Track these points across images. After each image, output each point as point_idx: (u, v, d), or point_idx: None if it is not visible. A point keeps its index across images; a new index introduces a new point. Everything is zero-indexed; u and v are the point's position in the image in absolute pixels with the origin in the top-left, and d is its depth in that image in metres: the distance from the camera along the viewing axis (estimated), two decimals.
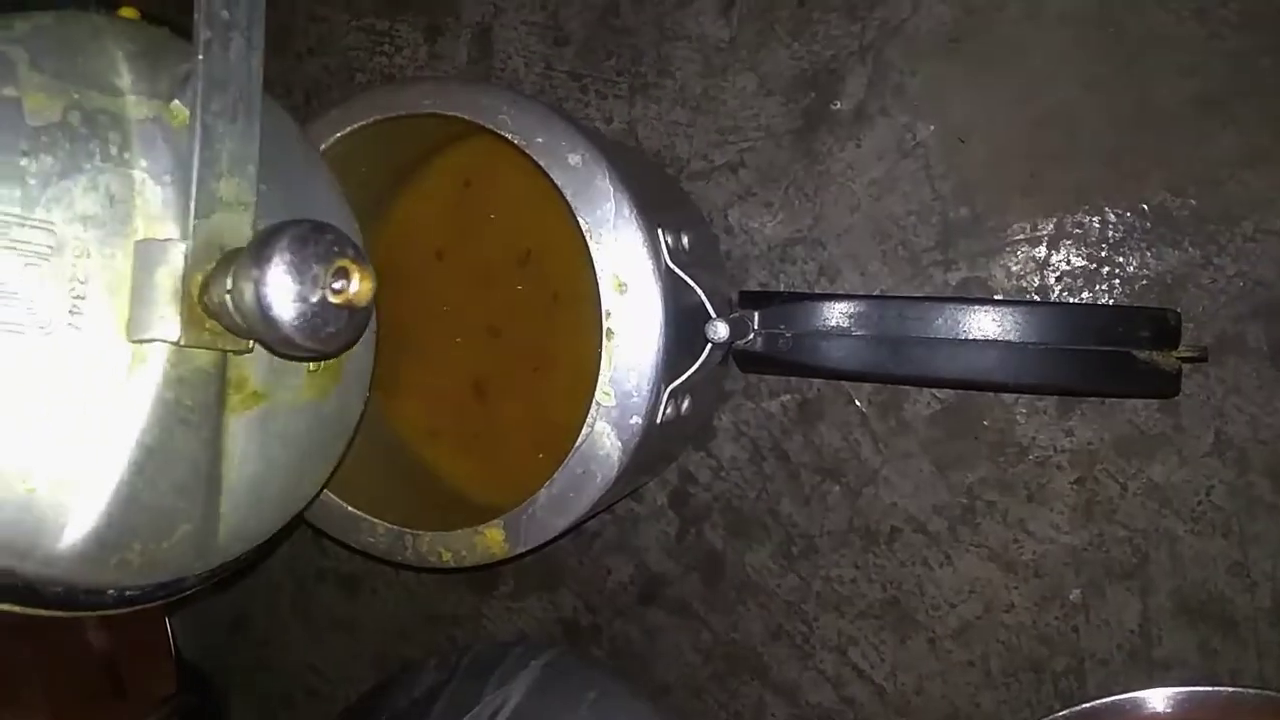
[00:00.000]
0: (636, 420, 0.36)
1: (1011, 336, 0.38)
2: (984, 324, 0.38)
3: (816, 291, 0.46)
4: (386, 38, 0.54)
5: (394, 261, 0.48)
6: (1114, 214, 0.42)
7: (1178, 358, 0.37)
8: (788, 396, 0.47)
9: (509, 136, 0.35)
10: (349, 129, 0.39)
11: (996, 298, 0.43)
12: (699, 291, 0.37)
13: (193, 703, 0.53)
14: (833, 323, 0.40)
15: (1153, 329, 0.37)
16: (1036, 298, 0.43)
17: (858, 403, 0.46)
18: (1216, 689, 0.40)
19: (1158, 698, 0.40)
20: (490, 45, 0.52)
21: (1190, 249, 0.41)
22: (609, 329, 0.35)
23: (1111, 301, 0.42)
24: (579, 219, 0.35)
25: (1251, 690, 0.39)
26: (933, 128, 0.44)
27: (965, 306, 0.38)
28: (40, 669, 0.59)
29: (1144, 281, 0.42)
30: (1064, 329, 0.38)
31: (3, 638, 0.55)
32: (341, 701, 0.57)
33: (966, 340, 0.38)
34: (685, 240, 0.39)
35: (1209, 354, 0.39)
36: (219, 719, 0.56)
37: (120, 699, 0.57)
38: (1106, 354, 0.37)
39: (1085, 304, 0.42)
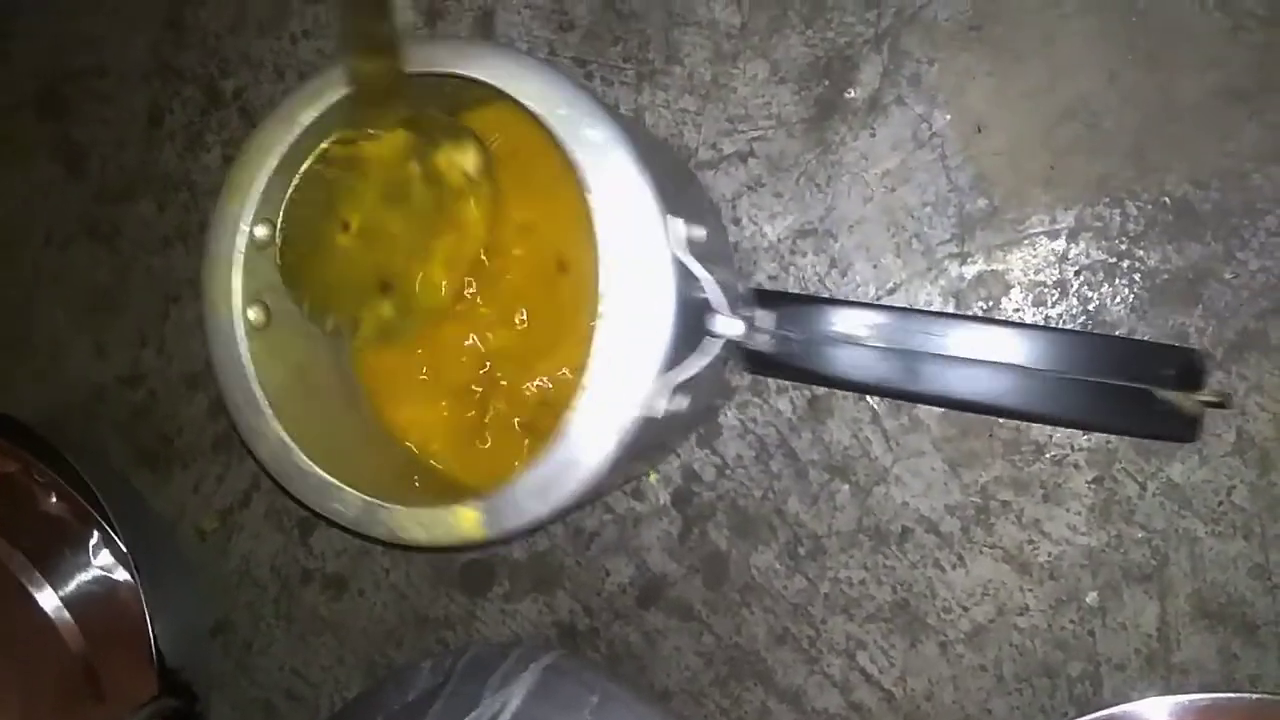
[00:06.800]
0: (630, 411, 0.34)
1: (1030, 361, 0.37)
2: (1003, 345, 0.37)
3: (832, 296, 0.44)
4: None
5: None
6: (1135, 207, 0.41)
7: (1200, 401, 0.37)
8: (796, 393, 0.46)
9: (526, 103, 0.34)
10: None
11: (1017, 319, 0.42)
12: (709, 283, 0.35)
13: (173, 707, 0.51)
14: (846, 330, 0.38)
15: (1176, 367, 0.37)
16: (1055, 292, 0.42)
17: (869, 399, 0.45)
18: (1239, 695, 0.38)
19: (1176, 705, 0.39)
20: (492, 29, 0.50)
21: (1213, 243, 0.40)
22: (607, 313, 0.33)
23: (1133, 298, 0.41)
24: (588, 196, 0.33)
25: (1275, 697, 0.38)
26: (949, 117, 0.43)
27: (985, 326, 0.38)
28: (15, 671, 0.57)
29: (1165, 275, 0.41)
30: (1084, 358, 0.37)
31: None
32: (325, 706, 0.55)
33: (983, 361, 0.37)
34: (696, 231, 0.37)
35: (1231, 401, 0.38)
36: None
37: (98, 702, 0.55)
38: (1126, 389, 0.37)
39: (1108, 335, 0.41)
